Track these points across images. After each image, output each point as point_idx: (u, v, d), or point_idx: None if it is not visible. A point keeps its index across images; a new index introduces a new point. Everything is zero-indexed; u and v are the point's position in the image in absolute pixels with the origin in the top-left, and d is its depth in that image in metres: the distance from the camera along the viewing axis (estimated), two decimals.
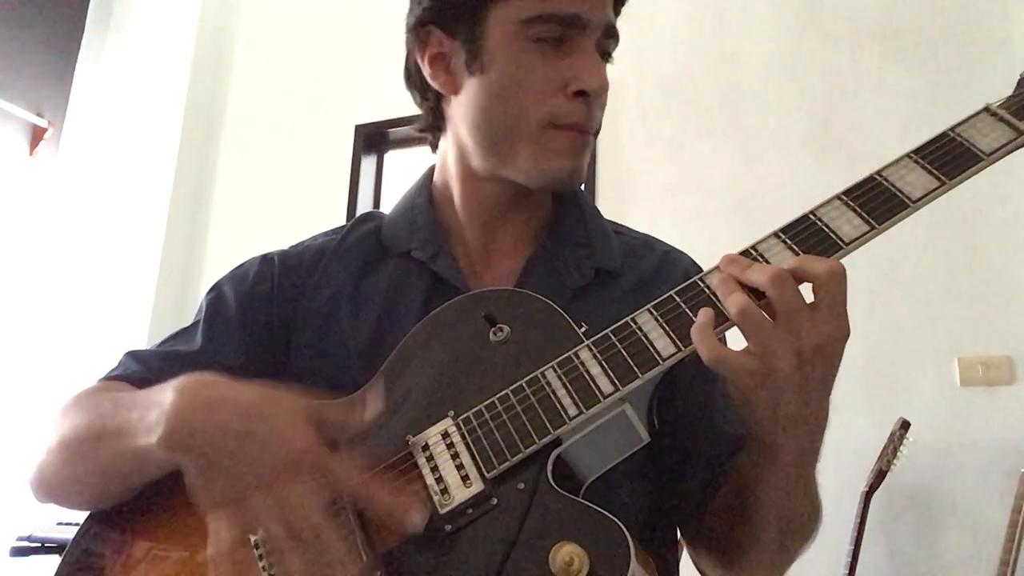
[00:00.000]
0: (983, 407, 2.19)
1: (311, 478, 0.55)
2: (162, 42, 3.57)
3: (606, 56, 0.79)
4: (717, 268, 0.62)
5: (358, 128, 3.29)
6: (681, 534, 0.83)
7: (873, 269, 2.31)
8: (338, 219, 3.13)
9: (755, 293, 0.58)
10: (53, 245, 3.37)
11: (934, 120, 0.63)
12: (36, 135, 3.35)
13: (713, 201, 2.62)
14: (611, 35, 0.78)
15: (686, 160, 2.73)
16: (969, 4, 2.46)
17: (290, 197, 3.27)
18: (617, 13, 0.80)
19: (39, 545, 2.29)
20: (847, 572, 1.99)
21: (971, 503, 2.13)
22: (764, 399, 0.57)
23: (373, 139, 3.33)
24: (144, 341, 3.05)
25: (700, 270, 0.64)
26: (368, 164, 3.32)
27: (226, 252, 3.33)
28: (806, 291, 0.57)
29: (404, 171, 3.38)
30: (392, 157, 3.43)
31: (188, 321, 0.85)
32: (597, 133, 0.80)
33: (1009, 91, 0.65)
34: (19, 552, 2.29)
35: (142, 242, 3.30)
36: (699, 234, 2.55)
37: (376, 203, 3.33)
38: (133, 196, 3.38)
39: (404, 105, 0.87)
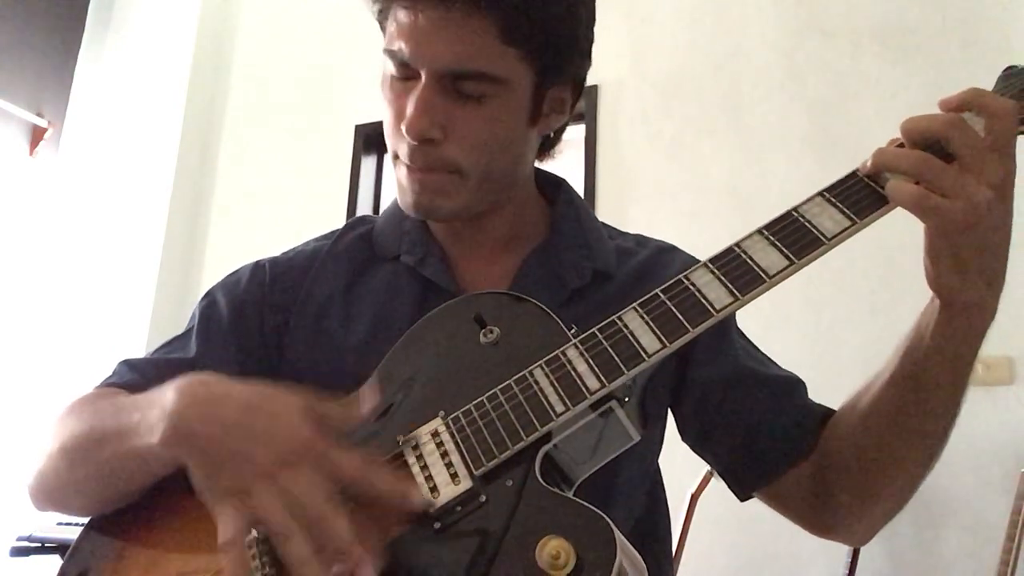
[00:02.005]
0: (983, 407, 2.18)
1: (314, 468, 0.56)
2: (162, 42, 3.58)
3: (467, 97, 0.72)
4: (704, 264, 0.63)
5: (358, 128, 3.29)
6: (781, 504, 0.79)
7: (873, 268, 2.31)
8: (338, 219, 3.12)
9: None
10: (53, 245, 3.38)
11: None
12: (36, 135, 3.35)
13: (713, 201, 2.62)
14: (467, 77, 0.71)
15: (686, 160, 2.73)
16: (969, 4, 2.46)
17: (290, 197, 3.27)
18: (516, 43, 0.70)
19: (39, 545, 2.29)
20: (847, 572, 1.99)
21: (971, 503, 2.12)
22: (970, 247, 0.58)
23: (373, 139, 3.32)
24: (143, 342, 3.05)
25: (696, 262, 0.64)
26: (368, 164, 3.32)
27: (226, 252, 3.33)
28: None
29: None
30: None
31: (188, 322, 0.85)
32: (462, 173, 0.75)
33: None
34: (19, 552, 2.29)
35: (142, 242, 3.30)
36: (699, 234, 2.55)
37: (376, 203, 3.33)
38: (133, 196, 3.39)
39: None
